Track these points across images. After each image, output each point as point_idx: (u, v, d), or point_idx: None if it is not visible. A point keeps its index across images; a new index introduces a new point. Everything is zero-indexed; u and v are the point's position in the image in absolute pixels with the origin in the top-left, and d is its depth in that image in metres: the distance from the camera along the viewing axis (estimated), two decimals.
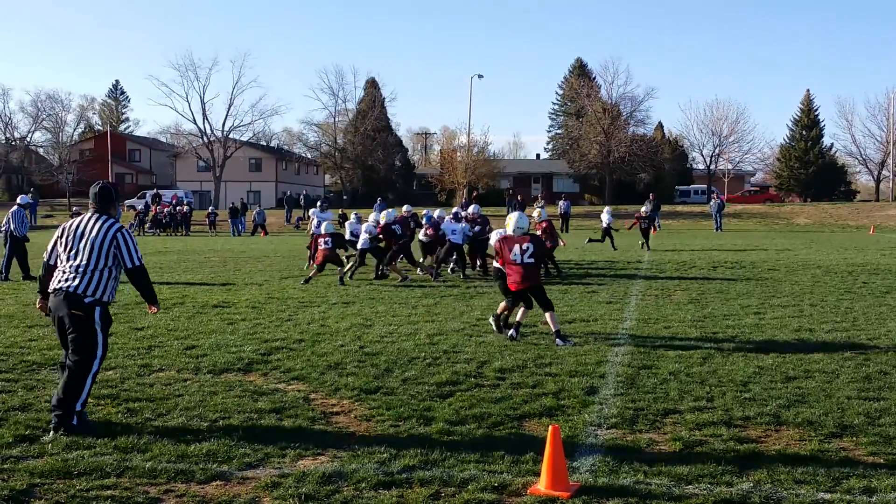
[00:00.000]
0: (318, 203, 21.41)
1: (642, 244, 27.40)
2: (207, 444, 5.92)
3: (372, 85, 79.52)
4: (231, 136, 75.98)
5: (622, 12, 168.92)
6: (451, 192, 70.84)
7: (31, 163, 77.50)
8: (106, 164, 73.29)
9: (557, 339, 9.93)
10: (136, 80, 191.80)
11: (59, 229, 6.71)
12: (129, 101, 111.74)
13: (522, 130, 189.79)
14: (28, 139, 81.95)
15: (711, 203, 48.02)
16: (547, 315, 10.25)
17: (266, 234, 47.25)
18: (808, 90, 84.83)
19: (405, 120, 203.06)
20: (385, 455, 5.65)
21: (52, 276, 6.61)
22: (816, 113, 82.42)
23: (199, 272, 20.30)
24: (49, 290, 6.58)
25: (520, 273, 10.28)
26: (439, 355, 9.21)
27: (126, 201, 64.27)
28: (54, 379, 8.06)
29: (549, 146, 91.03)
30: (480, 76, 69.36)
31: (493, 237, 11.82)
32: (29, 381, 7.99)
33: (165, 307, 13.43)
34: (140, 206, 54.63)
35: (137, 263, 6.60)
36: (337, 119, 78.96)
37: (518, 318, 10.41)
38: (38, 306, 6.92)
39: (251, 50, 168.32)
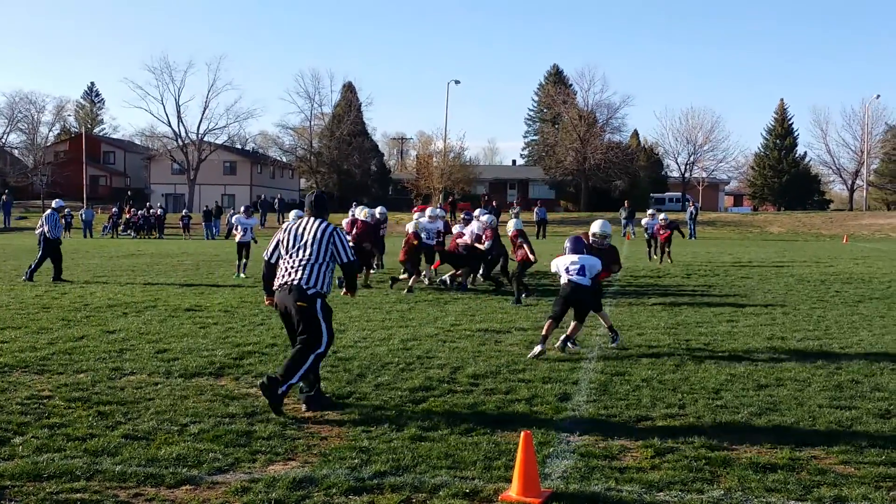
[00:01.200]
0: (243, 208, 21.34)
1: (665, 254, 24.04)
2: (177, 448, 5.86)
3: (348, 89, 79.42)
4: (206, 138, 75.68)
5: (599, 20, 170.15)
6: (427, 198, 70.82)
7: (5, 164, 76.71)
8: (80, 166, 72.63)
9: (570, 344, 9.75)
10: (112, 83, 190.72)
11: (281, 232, 7.44)
12: (104, 104, 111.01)
13: (498, 136, 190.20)
14: (3, 141, 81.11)
15: (686, 211, 48.35)
16: (573, 324, 9.86)
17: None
18: (781, 99, 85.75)
19: (381, 125, 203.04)
20: (356, 461, 5.61)
21: (274, 273, 7.39)
22: (790, 122, 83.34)
23: (171, 275, 20.14)
24: (274, 287, 7.32)
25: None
26: (413, 361, 9.18)
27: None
28: (26, 381, 7.96)
29: (525, 152, 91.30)
30: (457, 82, 69.42)
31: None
32: (0, 384, 7.88)
33: (137, 310, 13.31)
34: (114, 209, 54.13)
35: (351, 258, 7.45)
36: (313, 123, 78.81)
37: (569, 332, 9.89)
38: (265, 303, 7.72)
39: (227, 53, 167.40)
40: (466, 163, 79.36)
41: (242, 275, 19.38)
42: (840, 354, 9.65)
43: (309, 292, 7.08)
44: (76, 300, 14.65)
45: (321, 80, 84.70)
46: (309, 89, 79.15)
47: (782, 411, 6.99)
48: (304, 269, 7.13)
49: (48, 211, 19.16)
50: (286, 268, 7.23)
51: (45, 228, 18.55)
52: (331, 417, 6.80)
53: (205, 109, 75.80)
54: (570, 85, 78.62)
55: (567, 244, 10.19)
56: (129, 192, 66.00)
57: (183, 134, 75.63)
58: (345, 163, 76.06)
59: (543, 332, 9.63)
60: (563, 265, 9.95)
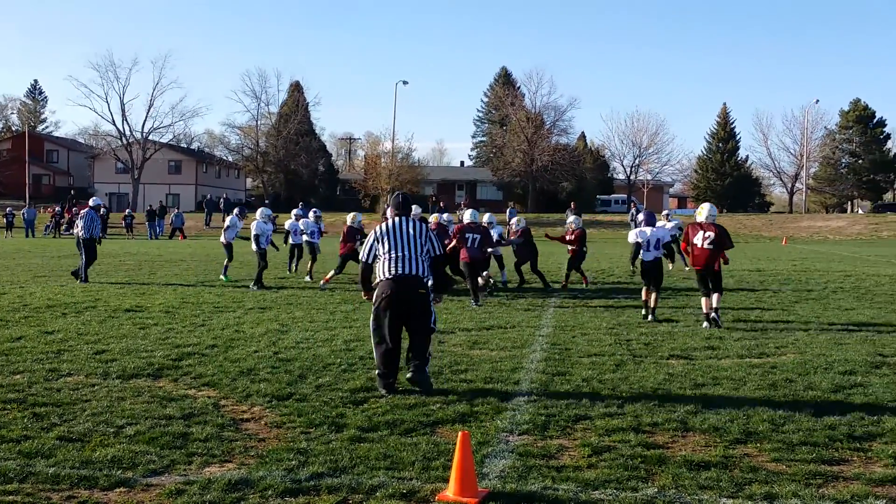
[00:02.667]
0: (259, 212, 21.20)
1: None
2: (112, 450, 5.77)
3: (296, 88, 78.94)
4: (150, 137, 74.62)
5: (547, 23, 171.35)
6: (375, 198, 70.63)
7: None
8: (23, 164, 71.04)
9: (715, 321, 11.79)
10: (56, 81, 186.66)
11: (377, 234, 8.00)
12: (47, 102, 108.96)
13: (447, 138, 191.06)
14: None
15: (631, 212, 48.91)
16: (714, 296, 11.97)
17: (184, 237, 46.42)
18: (724, 103, 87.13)
19: (329, 125, 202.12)
20: (293, 462, 5.57)
21: (372, 272, 8.11)
22: (733, 126, 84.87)
23: (112, 275, 19.82)
24: (381, 280, 7.86)
25: (703, 256, 12.05)
26: (355, 361, 9.15)
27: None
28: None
29: (474, 153, 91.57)
30: (405, 82, 69.57)
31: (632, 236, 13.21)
32: None
33: (76, 311, 13.07)
34: (56, 209, 53.02)
35: (442, 251, 8.21)
36: (259, 122, 78.13)
37: (707, 307, 12.06)
38: (364, 297, 8.53)
39: (173, 51, 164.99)
40: (415, 164, 79.35)
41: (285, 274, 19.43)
42: (776, 354, 9.85)
43: (425, 281, 7.90)
44: (15, 300, 14.34)
45: (268, 79, 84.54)
46: (255, 88, 78.77)
47: (717, 410, 7.10)
48: (415, 263, 7.84)
49: (85, 209, 19.10)
50: (392, 262, 7.83)
51: (80, 228, 18.50)
52: (269, 419, 6.74)
53: (150, 108, 74.83)
54: (519, 87, 79.18)
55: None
56: (72, 192, 64.67)
57: (127, 132, 74.56)
58: (292, 162, 75.55)
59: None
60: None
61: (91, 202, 19.64)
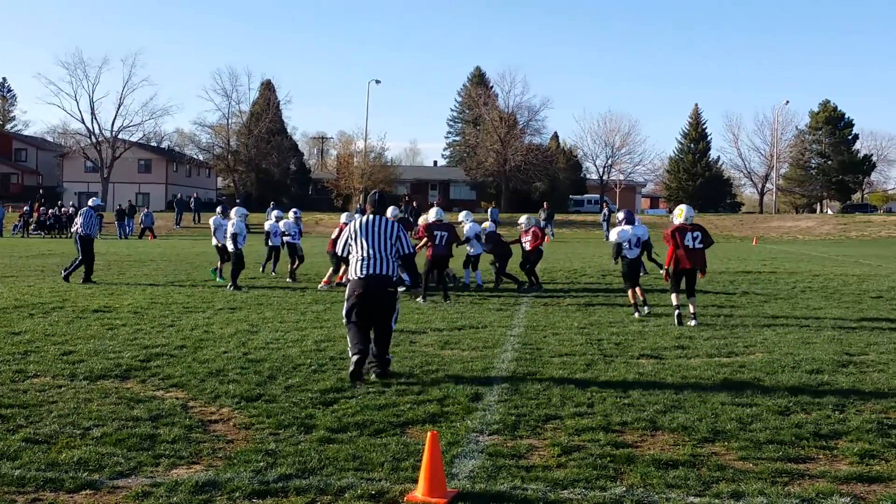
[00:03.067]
0: (274, 213, 21.06)
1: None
2: (79, 452, 5.70)
3: (267, 87, 78.51)
4: (120, 136, 73.87)
5: (520, 23, 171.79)
6: (348, 198, 70.47)
7: None
8: None
9: (691, 316, 12.10)
10: (24, 79, 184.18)
11: (350, 231, 8.56)
12: (15, 100, 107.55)
13: (420, 137, 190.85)
14: None
15: (603, 212, 49.17)
16: (692, 299, 12.31)
17: (154, 237, 46.05)
18: (696, 104, 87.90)
19: (301, 124, 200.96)
20: (262, 464, 5.53)
21: (347, 263, 8.95)
22: (704, 126, 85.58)
23: (80, 275, 19.55)
24: (352, 278, 8.43)
25: (696, 256, 12.33)
26: (325, 362, 9.11)
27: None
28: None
29: (447, 153, 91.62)
30: (378, 81, 69.45)
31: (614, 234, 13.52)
32: None
33: (43, 311, 12.91)
34: (25, 208, 52.36)
35: (411, 250, 8.67)
36: (230, 121, 77.60)
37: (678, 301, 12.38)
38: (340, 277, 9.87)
39: (143, 48, 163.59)
40: (388, 163, 79.25)
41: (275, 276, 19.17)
42: (744, 353, 9.93)
43: (394, 278, 8.50)
44: None
45: (239, 78, 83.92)
46: (226, 86, 78.10)
47: (686, 409, 7.15)
48: (383, 262, 8.38)
49: (84, 208, 18.84)
50: (363, 259, 8.38)
51: (79, 227, 18.23)
52: (238, 420, 6.70)
53: (119, 106, 74.22)
54: (492, 87, 79.33)
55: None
56: (41, 191, 63.85)
57: (97, 131, 73.75)
58: (263, 161, 75.14)
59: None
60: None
61: (91, 202, 19.39)
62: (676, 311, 12.26)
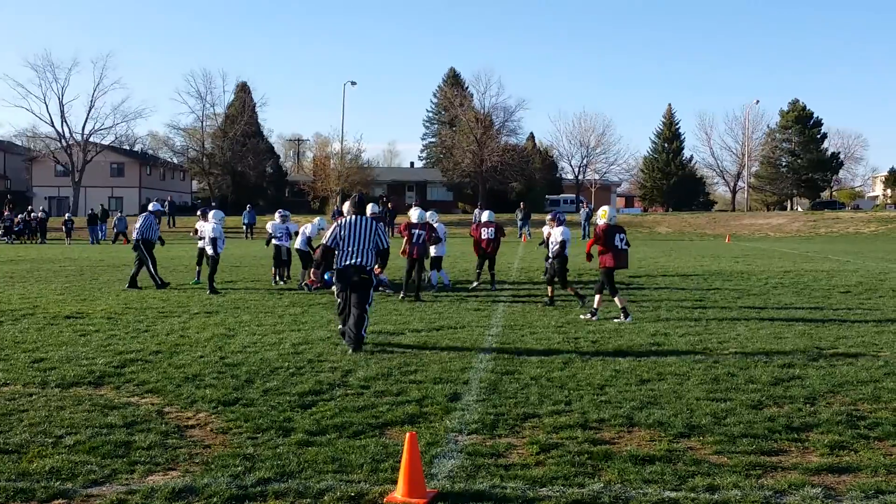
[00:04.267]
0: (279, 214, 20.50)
1: None
2: (51, 461, 5.63)
3: (242, 89, 78.06)
4: (91, 139, 73.09)
5: (494, 24, 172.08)
6: (325, 200, 70.24)
7: None
8: None
9: (623, 317, 12.30)
10: None
11: (339, 227, 9.97)
12: None
13: (397, 139, 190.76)
14: None
15: (581, 212, 49.32)
16: (617, 298, 12.58)
17: (128, 241, 45.63)
18: (669, 104, 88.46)
19: (277, 126, 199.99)
20: (240, 468, 5.51)
21: (332, 255, 10.11)
22: (678, 126, 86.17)
23: (52, 281, 19.39)
24: (337, 267, 9.98)
25: (624, 257, 12.76)
26: (303, 364, 9.08)
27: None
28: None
29: (424, 154, 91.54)
30: (353, 83, 69.03)
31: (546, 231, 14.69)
32: None
33: (13, 318, 12.76)
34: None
35: (387, 245, 10.19)
36: (205, 123, 77.07)
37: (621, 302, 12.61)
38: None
39: (115, 50, 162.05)
40: (364, 165, 79.03)
41: (282, 282, 18.82)
42: (718, 349, 10.02)
43: (368, 269, 9.89)
44: None
45: (213, 80, 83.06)
46: (200, 89, 77.44)
47: (662, 405, 7.21)
48: (363, 254, 9.87)
49: (143, 213, 18.63)
50: (347, 252, 9.88)
51: (136, 232, 18.04)
52: (215, 425, 6.66)
53: (90, 109, 73.34)
54: (467, 88, 79.33)
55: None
56: (9, 196, 63.11)
57: (67, 134, 72.90)
58: (239, 164, 74.70)
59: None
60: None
61: (151, 206, 19.12)
62: (596, 309, 12.80)
